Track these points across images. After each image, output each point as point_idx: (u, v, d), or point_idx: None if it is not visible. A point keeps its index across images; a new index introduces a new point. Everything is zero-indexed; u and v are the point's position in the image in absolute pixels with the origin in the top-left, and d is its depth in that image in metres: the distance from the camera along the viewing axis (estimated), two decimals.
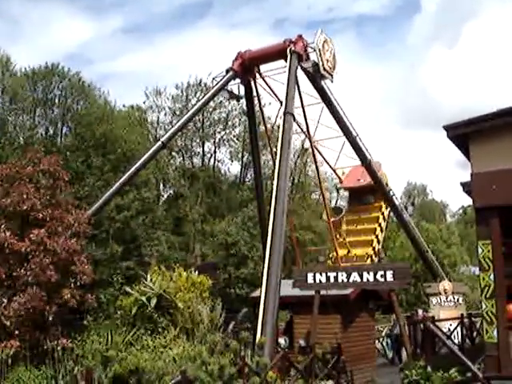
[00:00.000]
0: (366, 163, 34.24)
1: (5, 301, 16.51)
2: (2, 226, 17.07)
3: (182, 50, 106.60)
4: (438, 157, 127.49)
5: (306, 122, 31.31)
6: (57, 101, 44.02)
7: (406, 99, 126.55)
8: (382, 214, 33.69)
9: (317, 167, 33.88)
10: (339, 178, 37.23)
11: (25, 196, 17.39)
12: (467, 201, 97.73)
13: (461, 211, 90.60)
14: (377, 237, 32.76)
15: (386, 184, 33.63)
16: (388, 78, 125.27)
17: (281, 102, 32.84)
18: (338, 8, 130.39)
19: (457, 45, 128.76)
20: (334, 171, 38.31)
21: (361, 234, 33.09)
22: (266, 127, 34.96)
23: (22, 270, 16.63)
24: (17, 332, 16.36)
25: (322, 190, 34.56)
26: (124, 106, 52.38)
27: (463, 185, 16.01)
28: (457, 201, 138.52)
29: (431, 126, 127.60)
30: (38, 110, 43.82)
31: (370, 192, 33.90)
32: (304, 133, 33.10)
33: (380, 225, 33.35)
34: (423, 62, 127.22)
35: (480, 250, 14.82)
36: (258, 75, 32.38)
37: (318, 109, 32.56)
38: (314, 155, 33.88)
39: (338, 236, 32.00)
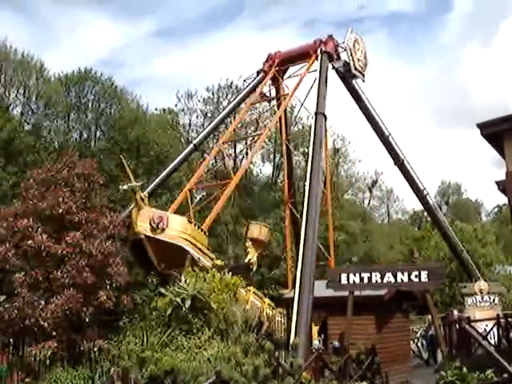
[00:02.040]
0: (398, 163, 34.10)
1: (42, 303, 16.78)
2: (39, 230, 17.33)
3: (213, 52, 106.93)
4: (473, 155, 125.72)
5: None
6: (90, 105, 44.61)
7: (440, 98, 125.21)
8: None
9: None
10: None
11: (60, 199, 17.65)
12: (503, 199, 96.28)
13: (496, 210, 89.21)
14: None
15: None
16: (422, 77, 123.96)
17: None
18: (369, 6, 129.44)
19: (493, 43, 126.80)
20: None
21: None
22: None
23: (59, 273, 16.89)
24: (54, 333, 16.60)
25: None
26: (156, 109, 52.76)
27: (498, 183, 15.83)
28: (492, 199, 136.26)
29: (466, 125, 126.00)
30: (71, 114, 44.43)
31: None
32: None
33: None
34: (458, 60, 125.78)
35: None
36: (284, 76, 32.44)
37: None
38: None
39: None
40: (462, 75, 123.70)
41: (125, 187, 21.52)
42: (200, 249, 22.10)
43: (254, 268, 27.92)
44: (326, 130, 27.98)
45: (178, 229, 21.61)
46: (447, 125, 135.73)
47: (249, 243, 28.21)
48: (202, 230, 22.82)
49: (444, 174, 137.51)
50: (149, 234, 21.02)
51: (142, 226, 20.92)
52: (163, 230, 21.21)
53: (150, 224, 21.03)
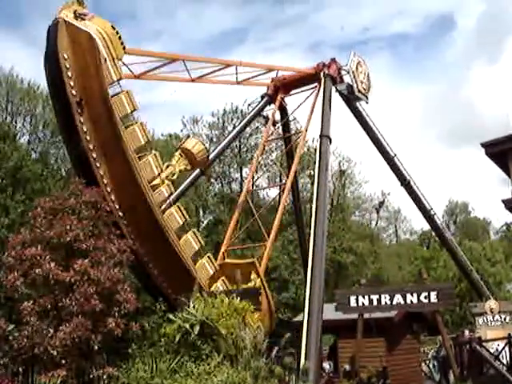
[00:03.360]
0: (405, 183, 34.15)
1: (51, 331, 16.74)
2: (47, 258, 17.35)
3: None
4: (480, 174, 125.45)
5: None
6: None
7: (447, 117, 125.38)
8: None
9: None
10: None
11: (68, 227, 17.69)
12: (510, 217, 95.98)
13: (504, 228, 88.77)
14: None
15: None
16: (429, 98, 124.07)
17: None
18: (373, 28, 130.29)
19: (500, 59, 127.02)
20: None
21: None
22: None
23: (67, 300, 16.87)
24: (63, 361, 16.54)
25: None
26: (162, 134, 53.07)
27: (505, 202, 15.84)
28: (500, 217, 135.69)
29: (473, 144, 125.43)
30: None
31: None
32: None
33: None
34: (465, 78, 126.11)
35: None
36: (284, 100, 32.56)
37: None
38: None
39: None
40: (470, 93, 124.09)
41: None
42: (111, 54, 20.56)
43: (175, 176, 24.29)
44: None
45: (98, 25, 20.55)
46: (454, 144, 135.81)
47: (178, 153, 24.65)
48: (123, 43, 21.31)
49: (451, 193, 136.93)
50: (68, 19, 19.93)
51: (65, 14, 20.06)
52: (83, 20, 20.24)
53: (74, 13, 20.23)
